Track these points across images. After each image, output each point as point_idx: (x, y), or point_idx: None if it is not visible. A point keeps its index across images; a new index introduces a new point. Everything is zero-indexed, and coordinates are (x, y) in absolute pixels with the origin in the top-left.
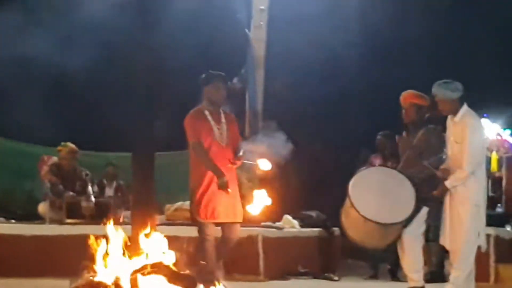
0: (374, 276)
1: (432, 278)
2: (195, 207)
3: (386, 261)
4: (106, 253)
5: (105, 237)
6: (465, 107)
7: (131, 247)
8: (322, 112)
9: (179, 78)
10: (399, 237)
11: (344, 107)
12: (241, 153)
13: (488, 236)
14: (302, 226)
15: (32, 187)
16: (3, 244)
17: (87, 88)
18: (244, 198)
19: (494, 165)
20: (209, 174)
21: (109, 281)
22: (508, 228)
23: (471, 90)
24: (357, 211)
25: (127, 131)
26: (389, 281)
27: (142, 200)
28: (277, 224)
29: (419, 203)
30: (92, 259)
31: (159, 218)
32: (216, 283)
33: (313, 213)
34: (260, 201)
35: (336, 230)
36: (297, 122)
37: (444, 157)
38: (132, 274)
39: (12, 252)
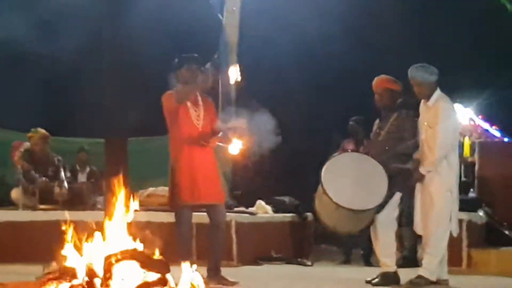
0: (347, 261)
1: (405, 263)
2: (174, 189)
3: (359, 246)
4: (79, 239)
5: (79, 223)
6: (438, 92)
7: (105, 232)
8: (294, 98)
9: (152, 64)
10: (372, 222)
11: (316, 93)
12: (218, 135)
13: (460, 221)
14: (275, 212)
15: (4, 173)
16: None
17: (59, 73)
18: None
19: (466, 150)
20: (188, 155)
21: (82, 267)
22: (480, 213)
23: (443, 75)
24: (330, 198)
25: (99, 117)
26: (362, 266)
27: (115, 186)
28: (250, 209)
29: (392, 188)
30: (65, 245)
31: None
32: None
33: (286, 199)
34: (238, 142)
35: (309, 215)
36: (270, 108)
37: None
38: (105, 260)
39: None
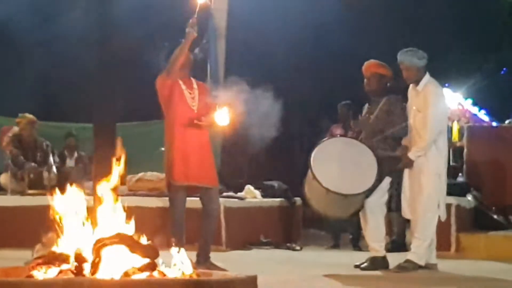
0: (336, 246)
1: (394, 247)
2: (168, 170)
3: (348, 231)
4: (68, 224)
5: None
6: (427, 76)
7: (93, 217)
8: (282, 82)
9: (140, 48)
10: (362, 207)
11: (304, 77)
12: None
13: (449, 205)
14: (264, 196)
15: None
16: None
17: (48, 59)
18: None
19: (455, 135)
20: (182, 137)
21: (71, 251)
22: (469, 197)
23: (432, 60)
24: (319, 183)
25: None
26: (350, 250)
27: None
28: (239, 194)
29: (382, 173)
30: (54, 230)
31: (121, 189)
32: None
33: (275, 183)
34: (225, 112)
35: (297, 200)
36: (258, 92)
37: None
38: (94, 245)
39: None
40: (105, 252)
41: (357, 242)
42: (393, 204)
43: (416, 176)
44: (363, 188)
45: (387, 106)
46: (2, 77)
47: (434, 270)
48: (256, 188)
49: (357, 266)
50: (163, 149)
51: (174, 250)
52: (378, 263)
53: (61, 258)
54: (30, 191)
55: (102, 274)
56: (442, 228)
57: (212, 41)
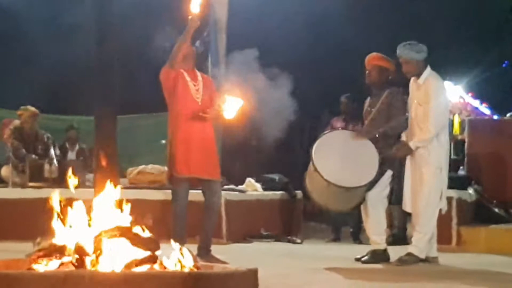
0: (337, 239)
1: (394, 240)
2: (171, 162)
3: (349, 224)
4: (69, 217)
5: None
6: (428, 69)
7: (94, 210)
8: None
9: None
10: (363, 200)
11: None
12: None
13: (450, 198)
14: (264, 189)
15: None
16: None
17: (48, 51)
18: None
19: (456, 128)
20: (186, 129)
21: (72, 244)
22: (470, 190)
23: (434, 53)
24: (321, 175)
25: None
26: (351, 244)
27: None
28: (240, 187)
29: (383, 166)
30: (55, 223)
31: (121, 182)
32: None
33: (276, 176)
34: (234, 103)
35: (298, 193)
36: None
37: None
38: (95, 238)
39: None
40: (106, 244)
41: (357, 235)
42: (394, 197)
43: (418, 170)
44: (365, 181)
45: (388, 99)
46: (2, 69)
47: (435, 263)
48: (257, 181)
49: (357, 259)
50: (164, 141)
51: (175, 243)
52: (379, 256)
53: (62, 251)
54: (31, 184)
55: (103, 266)
56: (443, 221)
57: (212, 34)
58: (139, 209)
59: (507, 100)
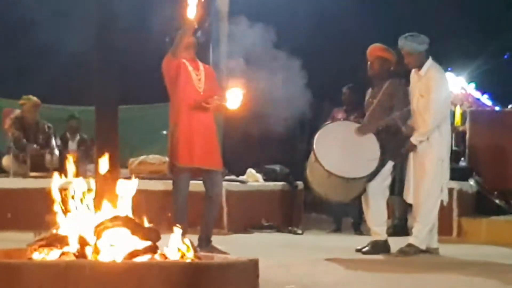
0: (337, 230)
1: (395, 231)
2: (172, 152)
3: (349, 215)
4: (70, 206)
5: (70, 190)
6: (430, 61)
7: (95, 200)
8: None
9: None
10: (364, 191)
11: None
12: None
13: (451, 190)
14: (265, 180)
15: None
16: None
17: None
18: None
19: (458, 119)
20: (187, 118)
21: (73, 234)
22: (471, 182)
23: (435, 44)
24: (322, 166)
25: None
26: (352, 234)
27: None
28: (241, 177)
29: (385, 157)
30: (56, 212)
31: (122, 172)
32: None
33: (277, 167)
34: (236, 94)
35: (299, 184)
36: (260, 74)
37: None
38: (96, 227)
39: None
40: (107, 234)
41: (358, 226)
42: (396, 188)
43: (420, 161)
44: (366, 172)
45: (390, 89)
46: (3, 58)
47: (435, 255)
48: (258, 171)
49: (358, 250)
50: (165, 132)
51: (176, 233)
52: (379, 247)
53: (63, 241)
54: (32, 174)
55: (104, 256)
56: (444, 213)
57: (214, 24)
58: (140, 199)
59: (509, 91)
